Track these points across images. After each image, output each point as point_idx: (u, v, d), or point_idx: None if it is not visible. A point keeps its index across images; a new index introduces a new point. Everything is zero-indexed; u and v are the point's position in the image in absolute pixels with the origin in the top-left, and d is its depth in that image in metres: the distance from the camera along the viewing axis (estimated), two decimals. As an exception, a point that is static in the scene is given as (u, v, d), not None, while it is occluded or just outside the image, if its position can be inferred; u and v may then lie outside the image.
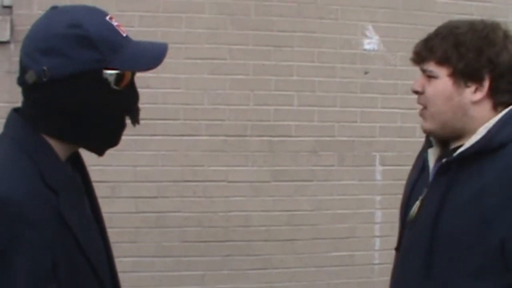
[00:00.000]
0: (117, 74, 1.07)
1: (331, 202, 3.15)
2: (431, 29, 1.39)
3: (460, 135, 1.36)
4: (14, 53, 2.70)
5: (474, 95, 1.32)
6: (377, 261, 3.20)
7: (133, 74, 1.12)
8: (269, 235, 3.08)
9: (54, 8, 1.10)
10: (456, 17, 1.45)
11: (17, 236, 0.98)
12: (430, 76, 1.35)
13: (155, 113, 2.90)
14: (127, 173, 2.93)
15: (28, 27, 1.12)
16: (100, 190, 3.07)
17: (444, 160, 1.35)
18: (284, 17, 3.05)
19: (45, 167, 1.05)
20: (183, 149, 2.98)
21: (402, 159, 3.06)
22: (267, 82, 3.05)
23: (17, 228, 0.98)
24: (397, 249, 1.49)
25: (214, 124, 3.01)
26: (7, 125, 1.11)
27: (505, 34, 1.34)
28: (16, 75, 1.11)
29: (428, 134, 1.43)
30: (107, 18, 1.09)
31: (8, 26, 2.78)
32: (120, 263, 2.90)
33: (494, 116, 1.33)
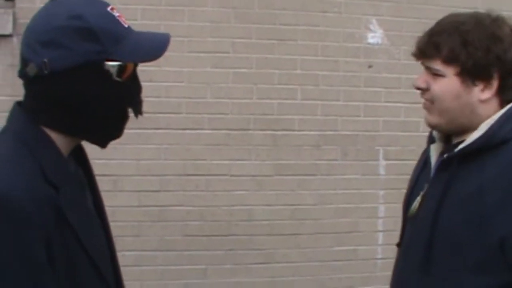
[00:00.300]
0: (118, 65, 1.06)
1: (334, 196, 3.14)
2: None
3: (465, 131, 1.35)
4: (16, 46, 2.69)
5: (482, 93, 1.31)
6: (380, 256, 3.19)
7: (135, 66, 1.10)
8: (272, 229, 3.08)
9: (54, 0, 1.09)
10: (461, 10, 1.42)
11: (14, 233, 0.97)
12: (436, 74, 1.32)
13: (158, 107, 2.89)
14: (130, 166, 2.92)
15: (31, 21, 1.11)
16: (102, 184, 3.06)
17: (445, 155, 1.35)
18: (287, 10, 3.03)
19: (46, 162, 1.04)
20: (186, 142, 2.98)
21: (406, 154, 3.06)
22: (270, 76, 3.04)
23: (15, 225, 0.97)
24: (399, 244, 1.49)
25: (217, 117, 3.00)
26: (9, 119, 1.10)
27: (511, 29, 1.32)
28: (18, 68, 1.11)
29: (433, 128, 1.42)
30: (108, 9, 1.08)
31: (10, 19, 2.78)
32: (123, 257, 2.91)
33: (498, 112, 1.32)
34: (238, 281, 3.05)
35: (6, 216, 0.97)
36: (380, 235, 3.20)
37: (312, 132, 3.10)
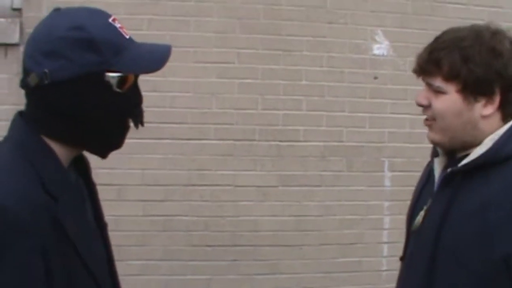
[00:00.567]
0: (119, 76, 1.06)
1: (339, 207, 3.13)
2: (442, 35, 1.37)
3: (468, 146, 1.34)
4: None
5: (484, 109, 1.30)
6: (385, 268, 3.17)
7: (136, 77, 1.11)
8: (276, 240, 3.07)
9: (56, 10, 1.10)
10: (467, 22, 1.42)
11: (10, 243, 0.97)
12: (437, 91, 1.31)
13: (163, 117, 2.90)
14: (135, 176, 2.93)
15: (38, 30, 1.11)
16: (107, 193, 3.05)
17: (448, 170, 1.33)
18: (293, 21, 3.04)
19: (45, 171, 1.05)
20: (191, 153, 2.98)
21: (411, 165, 3.04)
22: (275, 87, 3.04)
23: (11, 235, 0.97)
24: (402, 258, 1.48)
25: (222, 128, 3.00)
26: (11, 128, 1.11)
27: (511, 43, 1.31)
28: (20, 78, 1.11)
29: (435, 145, 1.41)
30: (110, 20, 1.08)
31: (17, 28, 2.80)
32: (127, 266, 2.92)
33: (502, 126, 1.31)
34: (242, 292, 3.04)
35: (2, 226, 0.96)
36: (385, 246, 3.18)
37: (317, 143, 3.09)
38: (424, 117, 1.38)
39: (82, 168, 1.19)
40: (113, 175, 2.85)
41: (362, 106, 3.13)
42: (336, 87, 3.10)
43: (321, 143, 3.10)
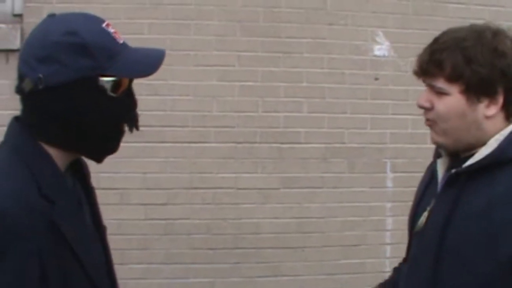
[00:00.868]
0: (113, 81, 1.07)
1: (341, 209, 3.12)
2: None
3: (472, 147, 1.33)
4: (24, 61, 2.71)
5: (488, 109, 1.29)
6: (388, 269, 3.16)
7: (130, 81, 1.11)
8: (278, 242, 3.06)
9: (51, 15, 1.10)
10: (468, 22, 1.41)
11: (7, 246, 0.97)
12: (440, 93, 1.30)
13: (164, 120, 2.90)
14: (136, 180, 2.93)
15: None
16: (109, 197, 3.06)
17: (453, 171, 1.33)
18: (293, 23, 3.04)
19: (41, 175, 1.05)
20: (192, 156, 2.98)
21: (413, 166, 3.04)
22: (276, 89, 3.04)
23: (8, 238, 0.97)
24: (406, 260, 1.47)
25: (223, 131, 3.00)
26: (7, 133, 1.11)
27: None
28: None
29: (438, 146, 1.40)
30: (104, 25, 1.09)
31: (18, 34, 2.80)
32: (129, 270, 2.92)
33: (506, 126, 1.31)
34: (245, 295, 3.03)
35: None
36: (388, 248, 3.17)
37: (318, 145, 3.09)
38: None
39: (80, 172, 1.19)
40: (114, 179, 2.85)
41: (363, 107, 3.13)
42: (337, 88, 3.10)
43: (323, 145, 3.09)
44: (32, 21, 2.78)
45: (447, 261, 1.29)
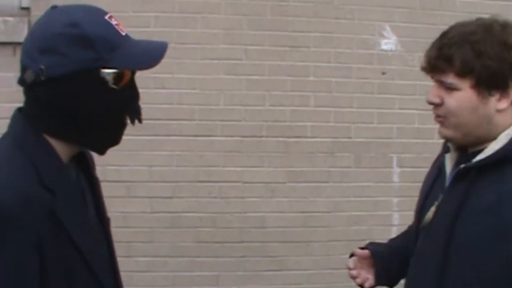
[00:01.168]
0: (114, 73, 1.07)
1: (347, 203, 3.12)
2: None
3: (482, 141, 1.32)
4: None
5: (499, 103, 1.28)
6: (393, 264, 3.16)
7: (133, 73, 1.11)
8: (284, 236, 3.07)
9: (53, 7, 1.10)
10: (476, 16, 1.40)
11: (4, 236, 0.97)
12: (450, 88, 1.29)
13: (171, 114, 2.90)
14: (143, 173, 2.93)
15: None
16: (115, 190, 3.06)
17: (462, 166, 1.31)
18: (300, 17, 3.03)
19: (43, 166, 1.05)
20: (199, 149, 2.98)
21: (420, 161, 3.03)
22: (283, 83, 3.04)
23: (5, 228, 0.97)
24: (411, 254, 1.46)
25: (230, 124, 3.00)
26: (10, 124, 1.12)
27: None
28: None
29: (447, 140, 1.39)
30: (106, 17, 1.09)
31: (26, 27, 2.81)
32: (135, 262, 2.93)
33: None
34: (250, 288, 3.04)
35: None
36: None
37: (325, 139, 3.09)
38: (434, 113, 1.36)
39: (84, 164, 1.19)
40: (121, 172, 2.86)
41: (370, 101, 3.12)
42: (344, 83, 3.09)
43: (329, 139, 3.09)
44: (40, 14, 2.75)
45: (455, 256, 1.28)
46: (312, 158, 3.08)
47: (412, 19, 3.14)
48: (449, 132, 1.33)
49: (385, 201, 3.16)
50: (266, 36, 3.00)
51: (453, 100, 1.29)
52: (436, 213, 1.36)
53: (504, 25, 1.30)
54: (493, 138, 1.30)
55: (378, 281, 1.55)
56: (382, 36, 3.12)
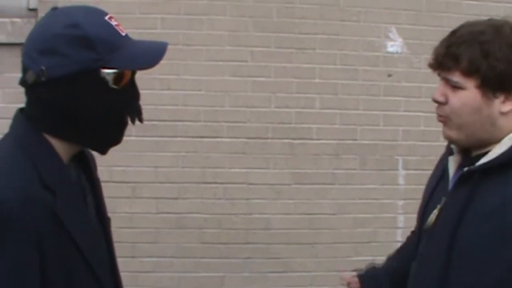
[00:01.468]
0: (115, 73, 1.08)
1: (352, 206, 3.12)
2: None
3: (485, 144, 1.31)
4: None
5: (503, 105, 1.27)
6: (398, 266, 3.16)
7: (133, 73, 1.12)
8: (289, 238, 3.07)
9: (54, 9, 1.12)
10: (482, 18, 1.40)
11: (4, 236, 0.98)
12: (455, 87, 1.28)
13: (176, 115, 2.91)
14: (148, 174, 2.94)
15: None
16: (121, 191, 3.07)
17: (465, 169, 1.31)
18: (306, 19, 3.03)
19: (44, 166, 1.06)
20: (204, 150, 2.99)
21: (425, 164, 3.02)
22: (288, 84, 3.04)
23: (5, 228, 0.98)
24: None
25: (235, 126, 3.00)
26: (12, 125, 1.12)
27: None
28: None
29: (451, 142, 1.38)
30: (106, 18, 1.10)
31: (33, 28, 2.82)
32: (140, 263, 2.94)
33: None
34: (255, 290, 3.04)
35: None
36: (399, 245, 3.16)
37: (330, 141, 3.09)
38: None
39: (85, 164, 1.20)
40: (127, 173, 2.87)
41: (376, 104, 3.12)
42: (349, 85, 3.09)
43: (334, 141, 3.09)
44: (47, 15, 2.80)
45: (458, 260, 1.27)
46: (318, 160, 3.08)
47: (418, 21, 3.13)
48: (452, 133, 1.32)
49: (390, 203, 3.15)
50: (271, 38, 3.01)
51: (456, 99, 1.28)
52: (439, 216, 1.35)
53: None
54: (496, 141, 1.29)
55: None
56: (388, 38, 3.12)
